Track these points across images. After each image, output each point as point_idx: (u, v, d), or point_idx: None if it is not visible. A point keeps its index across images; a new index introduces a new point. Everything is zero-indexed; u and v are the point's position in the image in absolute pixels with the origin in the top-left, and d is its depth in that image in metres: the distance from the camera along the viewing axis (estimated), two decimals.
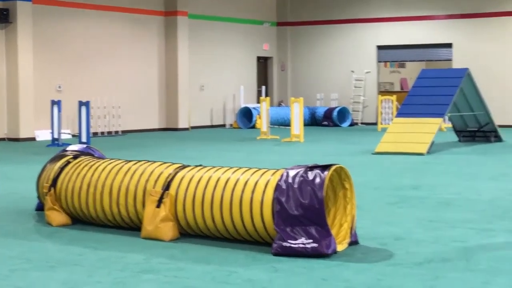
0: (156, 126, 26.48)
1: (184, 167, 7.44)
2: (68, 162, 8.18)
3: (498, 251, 6.57)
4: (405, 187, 11.13)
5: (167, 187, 7.20)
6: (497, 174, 12.72)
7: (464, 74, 18.81)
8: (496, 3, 28.12)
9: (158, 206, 7.17)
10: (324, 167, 6.58)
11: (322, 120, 28.73)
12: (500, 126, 21.43)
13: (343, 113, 29.17)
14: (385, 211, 9.01)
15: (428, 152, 16.55)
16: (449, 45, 29.16)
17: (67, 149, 8.78)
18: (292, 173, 6.62)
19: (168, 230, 7.13)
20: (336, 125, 28.46)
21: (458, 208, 9.16)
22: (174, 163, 7.66)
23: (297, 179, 6.52)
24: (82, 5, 23.79)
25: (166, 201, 7.14)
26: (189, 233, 7.23)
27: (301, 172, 6.58)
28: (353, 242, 6.78)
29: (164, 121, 26.73)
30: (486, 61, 28.01)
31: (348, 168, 6.95)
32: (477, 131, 20.36)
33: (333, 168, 6.61)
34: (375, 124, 27.89)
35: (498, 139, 20.17)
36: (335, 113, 28.54)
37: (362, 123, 30.10)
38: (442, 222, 8.11)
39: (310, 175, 6.51)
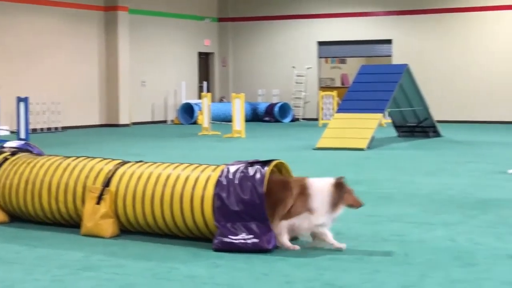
0: (97, 122, 26.26)
1: (124, 163, 7.39)
2: (5, 159, 8.06)
3: (435, 245, 6.67)
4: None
5: (107, 183, 7.15)
6: (435, 168, 12.90)
7: (403, 70, 19.05)
8: (434, 0, 28.53)
9: (98, 202, 7.11)
10: (265, 163, 6.60)
11: (264, 116, 28.82)
12: (439, 121, 21.74)
13: (285, 108, 29.29)
14: None
15: (368, 147, 16.72)
16: (389, 41, 29.50)
17: (5, 145, 8.64)
18: (232, 168, 6.62)
19: (108, 226, 7.07)
20: (277, 121, 28.58)
21: (397, 202, 9.28)
22: (114, 159, 7.60)
23: (237, 175, 6.53)
24: (18, 0, 23.43)
25: (106, 198, 7.08)
26: (129, 229, 7.19)
27: (241, 167, 6.59)
28: (294, 237, 6.81)
29: (105, 117, 26.52)
30: (425, 57, 28.41)
31: (289, 164, 6.99)
32: (416, 126, 20.64)
33: (273, 163, 6.63)
34: (316, 119, 28.09)
35: (437, 134, 20.49)
36: (276, 108, 28.65)
37: (303, 119, 30.27)
38: (381, 216, 8.21)
39: (251, 170, 6.52)
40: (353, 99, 18.69)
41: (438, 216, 8.22)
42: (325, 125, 20.50)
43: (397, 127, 21.00)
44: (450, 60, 28.28)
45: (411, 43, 28.90)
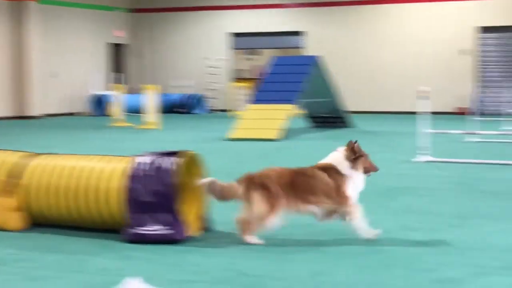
0: (7, 114, 25.70)
1: (35, 155, 7.28)
2: None
3: (345, 233, 6.79)
4: None
5: (17, 176, 7.02)
6: None
7: (315, 61, 19.27)
8: None
9: (7, 195, 6.98)
10: (176, 154, 6.60)
11: (178, 107, 28.73)
12: (352, 112, 22.07)
13: (198, 100, 29.26)
14: None
15: (281, 138, 16.86)
16: (302, 33, 29.76)
17: None
18: (144, 160, 6.60)
19: (18, 220, 6.96)
20: (191, 112, 28.52)
21: None
22: (25, 152, 7.48)
23: (149, 166, 6.52)
24: None
25: (15, 191, 6.96)
26: (40, 222, 7.08)
27: (153, 159, 6.58)
28: (206, 228, 6.84)
29: (14, 109, 25.99)
30: (338, 48, 28.78)
31: (203, 155, 7.00)
32: (328, 117, 20.90)
33: (185, 154, 6.64)
34: (230, 111, 28.14)
35: (348, 124, 20.79)
36: (190, 100, 28.60)
37: (217, 110, 30.30)
38: None
39: (162, 162, 6.52)
40: (266, 90, 18.81)
41: None
42: (238, 116, 20.55)
43: (309, 117, 21.23)
44: (362, 51, 28.72)
45: (324, 35, 29.23)
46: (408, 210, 8.03)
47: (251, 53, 35.95)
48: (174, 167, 6.45)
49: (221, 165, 12.00)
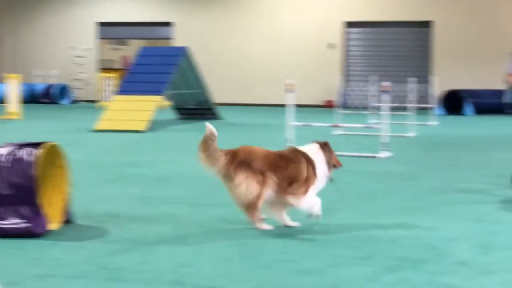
0: None
1: None
2: None
3: (210, 225, 6.79)
4: (123, 165, 11.17)
5: None
6: None
7: (183, 52, 19.22)
8: None
9: None
10: (36, 145, 6.41)
11: (41, 97, 28.05)
12: (219, 104, 22.15)
13: (63, 90, 28.67)
14: (101, 188, 8.98)
15: (148, 130, 16.73)
16: (170, 24, 29.63)
17: None
18: (1, 151, 6.38)
19: None
20: (56, 103, 27.91)
21: (173, 184, 9.36)
22: None
23: (6, 158, 6.30)
24: None
25: None
26: None
27: (11, 150, 6.37)
28: (68, 221, 6.69)
29: None
30: (206, 40, 28.82)
31: (67, 146, 6.85)
32: (195, 109, 20.90)
33: (45, 145, 6.46)
34: (97, 101, 27.71)
35: (216, 116, 20.85)
36: (54, 90, 27.98)
37: (83, 101, 29.77)
38: (158, 198, 8.24)
39: (21, 153, 6.32)
40: (133, 81, 18.63)
41: (213, 197, 8.36)
42: (105, 107, 20.26)
43: (177, 109, 21.17)
44: (231, 43, 28.88)
45: (192, 26, 29.20)
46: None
47: (120, 43, 35.58)
48: (34, 158, 6.26)
49: (86, 157, 11.80)
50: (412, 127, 17.04)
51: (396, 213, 7.43)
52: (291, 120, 12.83)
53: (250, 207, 6.40)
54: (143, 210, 7.51)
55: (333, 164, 6.74)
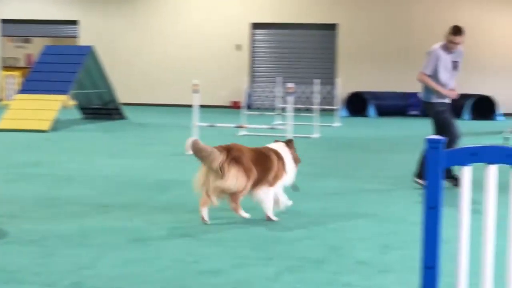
0: None
1: None
2: None
3: (112, 226, 6.72)
4: (25, 165, 10.96)
5: None
6: (117, 150, 13.01)
7: (88, 51, 18.99)
8: None
9: None
10: None
11: None
12: (125, 104, 21.94)
13: None
14: (2, 188, 8.79)
15: (51, 129, 16.46)
16: (75, 22, 29.21)
17: None
18: None
19: None
20: None
21: (77, 184, 9.23)
22: None
23: None
24: None
25: None
26: None
27: None
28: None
29: None
30: (112, 39, 28.49)
31: None
32: (101, 108, 20.66)
33: None
34: None
35: (121, 116, 20.66)
36: None
37: None
38: (60, 199, 8.11)
39: None
40: (37, 79, 18.29)
41: (117, 197, 8.30)
42: (7, 106, 19.82)
43: (82, 109, 20.88)
44: (135, 42, 28.62)
45: (98, 24, 28.83)
46: (178, 203, 8.07)
47: (24, 41, 34.83)
48: None
49: None
50: (317, 128, 17.25)
51: (300, 214, 7.52)
52: (197, 121, 12.83)
53: (236, 196, 6.86)
54: (45, 211, 7.39)
55: (294, 160, 7.36)
